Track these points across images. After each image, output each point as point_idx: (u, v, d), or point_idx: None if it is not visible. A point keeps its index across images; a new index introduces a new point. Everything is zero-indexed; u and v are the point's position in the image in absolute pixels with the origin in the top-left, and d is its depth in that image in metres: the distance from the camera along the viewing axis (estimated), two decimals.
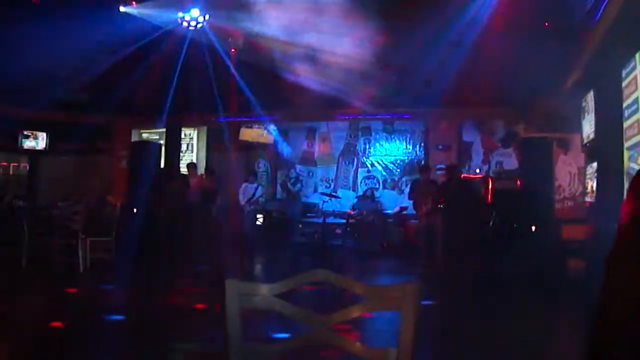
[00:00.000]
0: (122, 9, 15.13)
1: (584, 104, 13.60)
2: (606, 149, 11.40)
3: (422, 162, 18.65)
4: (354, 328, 3.01)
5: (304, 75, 15.89)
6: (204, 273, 12.63)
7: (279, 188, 20.76)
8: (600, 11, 10.22)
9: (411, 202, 16.04)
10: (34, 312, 9.47)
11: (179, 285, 11.81)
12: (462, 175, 16.65)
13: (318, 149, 20.77)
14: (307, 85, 16.15)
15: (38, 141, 21.20)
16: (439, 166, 17.22)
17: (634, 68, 9.85)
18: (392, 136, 19.93)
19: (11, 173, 21.73)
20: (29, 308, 9.68)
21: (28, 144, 21.11)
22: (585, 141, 13.71)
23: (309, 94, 16.38)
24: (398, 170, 19.78)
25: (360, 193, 19.58)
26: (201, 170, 18.36)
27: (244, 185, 17.63)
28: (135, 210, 14.96)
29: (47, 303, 10.01)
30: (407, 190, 17.93)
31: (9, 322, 8.34)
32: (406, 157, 19.77)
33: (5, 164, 21.93)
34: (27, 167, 21.61)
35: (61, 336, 7.72)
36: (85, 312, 9.33)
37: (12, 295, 10.36)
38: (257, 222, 17.88)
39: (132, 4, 15.23)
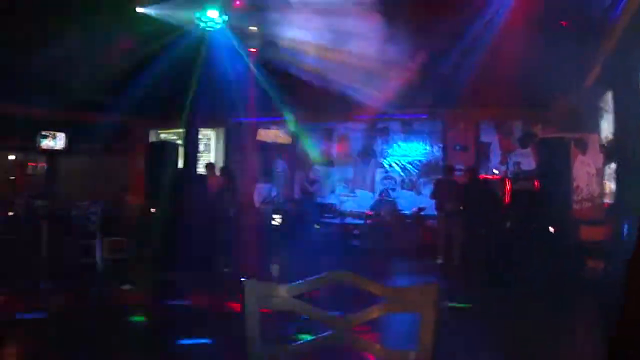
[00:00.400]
0: (138, 9, 15.15)
1: (602, 104, 13.54)
2: (625, 149, 11.34)
3: (443, 163, 18.58)
4: (372, 329, 3.01)
5: (322, 75, 15.88)
6: (226, 274, 12.61)
7: (296, 189, 20.72)
8: (620, 8, 10.18)
9: (431, 202, 16.04)
10: (51, 311, 9.53)
11: (198, 285, 11.82)
12: (480, 176, 16.59)
13: (336, 149, 20.76)
14: (325, 85, 16.15)
15: (56, 141, 21.20)
16: (457, 167, 17.14)
17: None
18: (410, 137, 19.89)
19: (29, 173, 21.81)
20: (47, 307, 9.74)
21: (46, 144, 21.13)
22: (603, 141, 13.65)
23: (327, 95, 16.39)
24: (416, 170, 19.72)
25: (378, 194, 19.56)
26: (219, 170, 18.36)
27: (259, 185, 17.67)
28: (153, 210, 14.99)
29: (64, 302, 10.08)
30: (425, 190, 17.94)
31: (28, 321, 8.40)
32: (424, 158, 19.70)
33: (23, 163, 22.03)
34: (45, 167, 21.66)
35: (81, 335, 7.76)
36: (102, 312, 9.39)
37: (33, 295, 10.42)
38: (274, 223, 17.87)
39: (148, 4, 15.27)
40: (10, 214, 15.91)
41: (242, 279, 2.78)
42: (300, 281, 2.78)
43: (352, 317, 2.79)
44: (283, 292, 2.74)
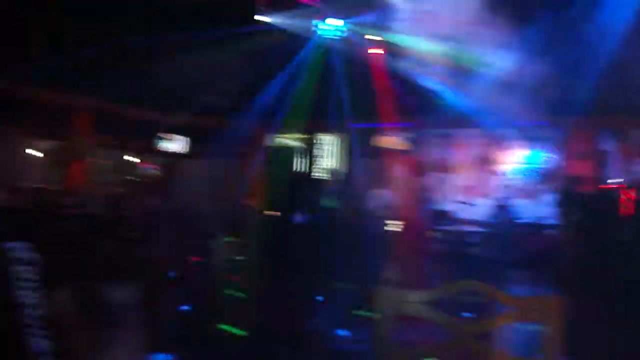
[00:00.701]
0: (256, 17, 15.39)
1: None
2: None
3: (564, 171, 18.27)
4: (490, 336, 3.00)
5: (442, 82, 15.87)
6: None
7: (413, 195, 20.61)
8: None
9: (550, 211, 15.80)
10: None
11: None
12: (600, 186, 16.28)
13: (454, 156, 20.64)
14: (444, 92, 16.14)
15: (176, 144, 21.69)
16: (577, 176, 16.87)
17: None
18: (529, 144, 19.64)
19: (149, 175, 22.31)
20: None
21: (166, 146, 21.63)
22: None
23: (447, 101, 16.37)
24: (535, 179, 19.45)
25: (496, 201, 19.33)
26: (338, 176, 18.47)
27: (376, 191, 17.66)
28: (271, 214, 15.15)
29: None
30: (545, 199, 17.67)
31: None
32: (543, 166, 19.43)
33: (143, 165, 22.55)
34: (166, 170, 22.14)
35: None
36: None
37: (153, 295, 10.66)
38: (389, 229, 17.80)
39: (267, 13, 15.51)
40: (129, 213, 16.32)
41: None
42: (430, 289, 2.81)
43: (478, 324, 2.81)
44: (414, 298, 2.78)
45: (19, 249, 3.20)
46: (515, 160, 19.84)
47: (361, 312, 9.31)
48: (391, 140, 20.71)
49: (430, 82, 16.06)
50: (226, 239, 13.39)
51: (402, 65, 15.92)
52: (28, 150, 20.01)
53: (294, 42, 16.08)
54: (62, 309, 3.50)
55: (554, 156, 19.35)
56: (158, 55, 15.51)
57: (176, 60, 15.80)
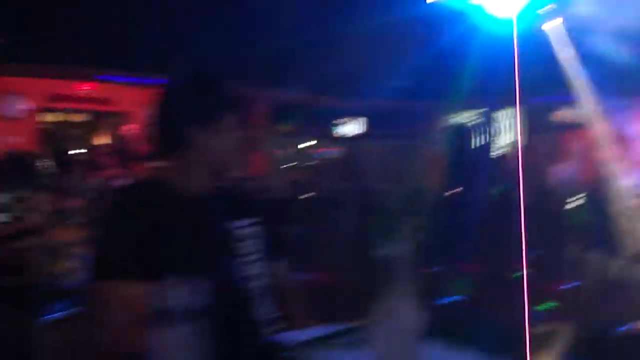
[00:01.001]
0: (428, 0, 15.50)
1: None
2: None
3: None
4: None
5: (624, 51, 15.53)
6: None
7: (595, 169, 20.16)
8: None
9: None
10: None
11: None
12: None
13: (635, 127, 20.12)
14: (626, 61, 15.79)
15: (354, 127, 22.01)
16: None
17: None
18: None
19: (330, 159, 22.72)
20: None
21: (344, 130, 21.98)
22: None
23: (628, 71, 16.00)
24: None
25: None
26: (512, 152, 18.33)
27: (556, 168, 17.46)
28: (448, 194, 15.22)
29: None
30: None
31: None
32: None
33: (322, 150, 22.99)
34: (344, 153, 22.48)
35: None
36: None
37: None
38: (569, 207, 17.54)
39: None
40: (307, 196, 16.72)
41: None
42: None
43: None
44: (617, 265, 2.88)
45: (244, 226, 3.50)
46: None
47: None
48: (569, 113, 20.36)
49: (611, 52, 15.70)
50: (410, 217, 13.55)
51: (581, 36, 15.64)
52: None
53: (467, 19, 16.05)
54: (282, 279, 3.79)
55: None
56: (333, 42, 15.81)
57: (350, 47, 16.06)
